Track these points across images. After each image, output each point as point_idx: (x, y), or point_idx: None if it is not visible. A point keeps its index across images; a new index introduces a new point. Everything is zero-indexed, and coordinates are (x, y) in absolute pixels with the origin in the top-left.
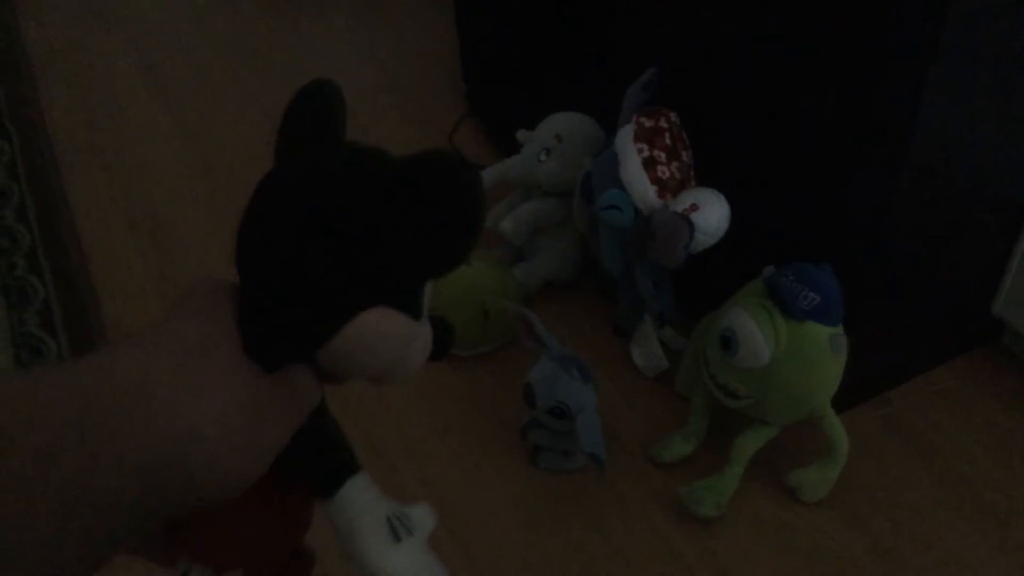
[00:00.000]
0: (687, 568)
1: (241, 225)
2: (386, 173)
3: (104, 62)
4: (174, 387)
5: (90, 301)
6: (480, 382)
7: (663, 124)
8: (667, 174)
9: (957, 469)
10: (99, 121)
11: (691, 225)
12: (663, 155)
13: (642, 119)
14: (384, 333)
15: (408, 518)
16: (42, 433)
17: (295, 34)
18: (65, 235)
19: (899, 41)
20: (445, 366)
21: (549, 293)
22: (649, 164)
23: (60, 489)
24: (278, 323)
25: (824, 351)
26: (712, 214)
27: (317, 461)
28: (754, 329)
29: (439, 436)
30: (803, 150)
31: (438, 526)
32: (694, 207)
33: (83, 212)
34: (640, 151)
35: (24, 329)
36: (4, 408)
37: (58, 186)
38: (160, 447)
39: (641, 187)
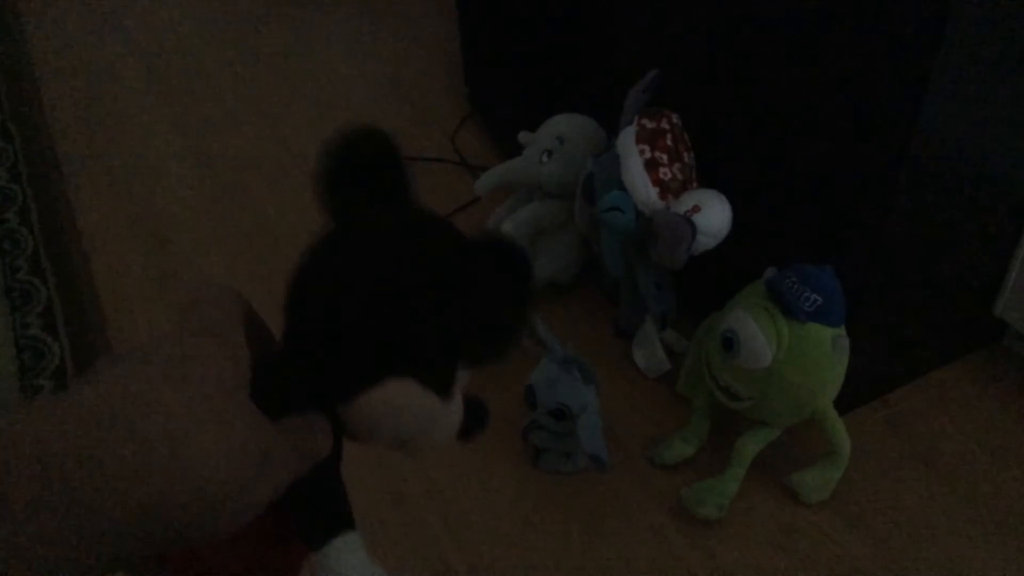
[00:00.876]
0: (688, 570)
1: (301, 267)
2: (447, 250)
3: (106, 64)
4: (180, 421)
5: (91, 303)
6: (481, 382)
7: (665, 125)
8: (669, 175)
9: (959, 470)
10: (101, 123)
11: (693, 226)
12: (665, 156)
13: (644, 120)
14: (406, 406)
15: None
16: (41, 452)
17: (297, 38)
18: (67, 237)
19: (901, 42)
20: None
21: (551, 294)
22: (651, 166)
23: (55, 506)
24: (309, 370)
25: (826, 352)
26: (714, 215)
27: (311, 511)
28: (756, 330)
29: None
30: (805, 151)
31: (439, 527)
32: (696, 208)
33: (85, 214)
34: (642, 152)
35: (27, 332)
36: (5, 440)
37: (60, 188)
38: (156, 480)
39: (643, 189)
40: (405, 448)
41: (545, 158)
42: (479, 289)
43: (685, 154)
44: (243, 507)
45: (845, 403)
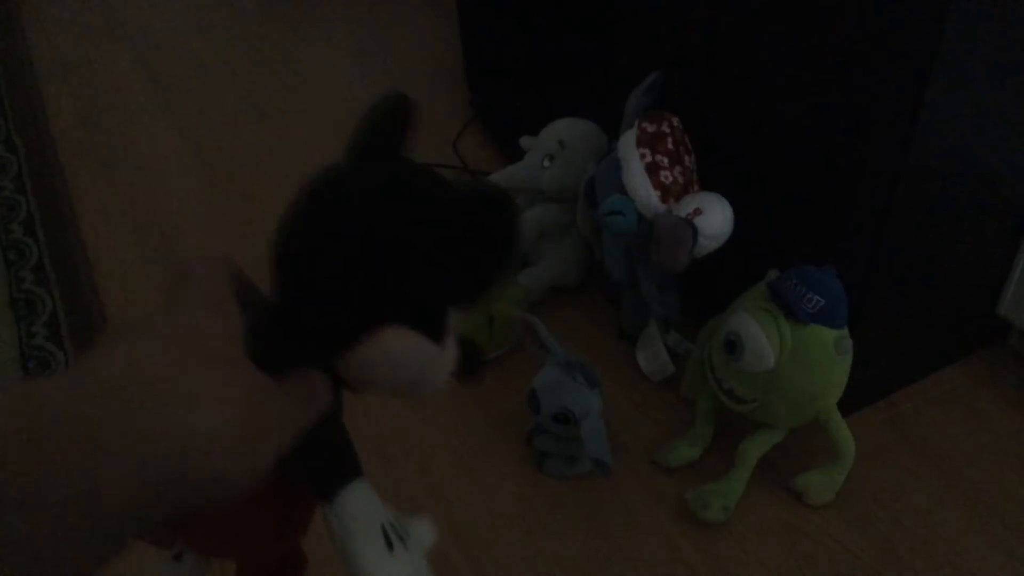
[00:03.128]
0: (694, 573)
1: (287, 221)
2: (434, 199)
3: (109, 73)
4: (179, 390)
5: (96, 312)
6: (485, 388)
7: (666, 129)
8: (670, 179)
9: (964, 471)
10: (105, 132)
11: (695, 229)
12: (666, 160)
13: (645, 124)
14: (402, 352)
15: (404, 529)
16: (39, 431)
17: (300, 42)
18: (72, 247)
19: (900, 43)
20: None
21: (554, 298)
22: (652, 169)
23: (59, 490)
24: (303, 325)
25: (829, 354)
26: (716, 218)
27: (320, 463)
28: (758, 333)
29: (445, 442)
30: (805, 153)
31: (444, 531)
32: (697, 211)
33: (89, 223)
34: (643, 156)
35: (33, 342)
36: (5, 413)
37: (64, 198)
38: (162, 455)
39: (644, 192)
40: (404, 394)
41: (547, 162)
42: (466, 234)
43: (686, 157)
44: (250, 470)
45: (849, 404)
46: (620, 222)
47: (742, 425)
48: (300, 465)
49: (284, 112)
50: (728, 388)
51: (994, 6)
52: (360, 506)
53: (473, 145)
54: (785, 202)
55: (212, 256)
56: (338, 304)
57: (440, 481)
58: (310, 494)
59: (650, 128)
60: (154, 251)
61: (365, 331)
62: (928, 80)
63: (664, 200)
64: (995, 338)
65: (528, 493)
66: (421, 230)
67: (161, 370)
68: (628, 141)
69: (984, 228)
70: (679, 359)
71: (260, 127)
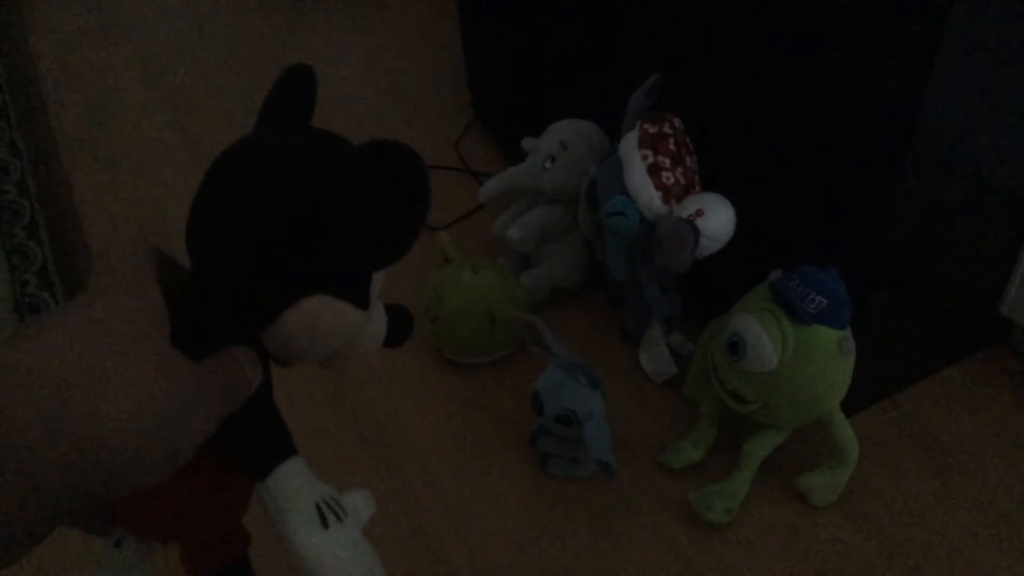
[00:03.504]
0: (697, 574)
1: (196, 199)
2: (336, 162)
3: (112, 76)
4: (95, 377)
5: None
6: (488, 390)
7: (667, 130)
8: (672, 180)
9: (968, 470)
10: (107, 135)
11: (697, 230)
12: (668, 161)
13: (646, 125)
14: (325, 321)
15: (339, 504)
16: None
17: (301, 44)
18: (75, 250)
19: (900, 42)
20: (453, 374)
21: (556, 300)
22: (654, 170)
23: None
24: (221, 303)
25: (832, 354)
26: (718, 219)
27: (251, 443)
28: (761, 334)
29: (448, 444)
30: (806, 153)
31: (447, 533)
32: (699, 212)
33: (93, 226)
34: (644, 157)
35: None
36: None
37: (68, 201)
38: (76, 442)
39: (646, 193)
40: (334, 364)
41: (548, 164)
42: (372, 192)
43: (688, 158)
44: (167, 453)
45: (852, 404)
46: (622, 223)
47: (745, 426)
48: (232, 444)
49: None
50: (731, 389)
51: (994, 6)
52: (293, 484)
53: (475, 147)
54: (787, 202)
55: (132, 238)
56: (254, 278)
57: (443, 483)
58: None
59: (652, 129)
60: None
61: (286, 303)
62: (928, 80)
63: (666, 201)
64: (998, 337)
65: (531, 494)
66: (326, 194)
67: (74, 357)
68: (630, 142)
69: (986, 227)
70: (682, 360)
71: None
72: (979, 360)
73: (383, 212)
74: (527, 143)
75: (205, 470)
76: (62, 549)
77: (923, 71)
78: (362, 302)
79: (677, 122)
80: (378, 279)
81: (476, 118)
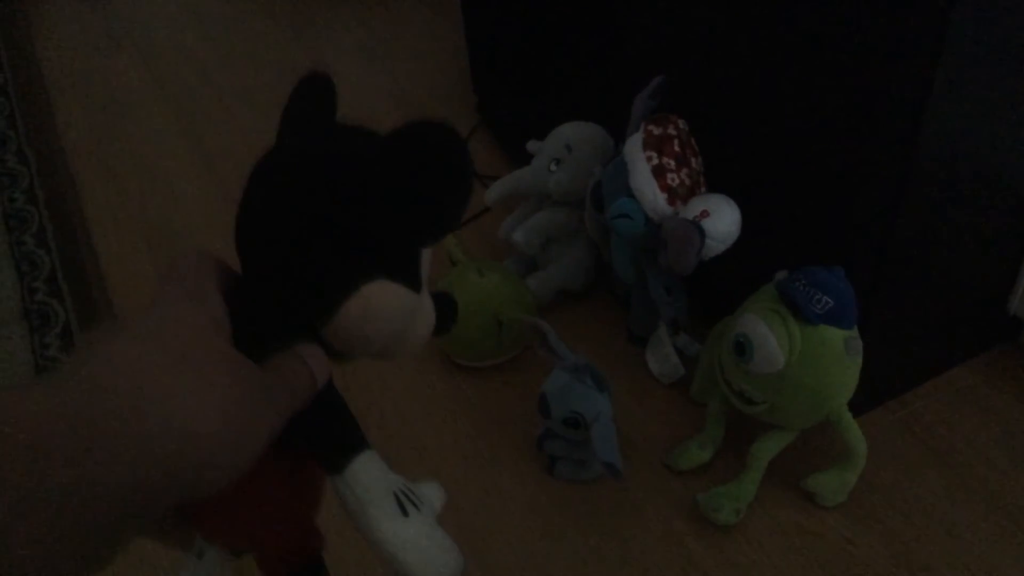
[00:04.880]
0: (706, 575)
1: (240, 209)
2: (374, 146)
3: (118, 84)
4: (168, 386)
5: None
6: (495, 392)
7: (672, 131)
8: (677, 181)
9: (977, 470)
10: (115, 143)
11: (702, 231)
12: (672, 162)
13: (651, 127)
14: (385, 305)
15: (415, 493)
16: (33, 430)
17: (306, 50)
18: (84, 257)
19: (904, 43)
20: (460, 377)
21: (563, 302)
22: (659, 172)
23: (51, 486)
24: (280, 304)
25: (839, 355)
26: (723, 220)
27: (326, 438)
28: (768, 334)
29: (455, 447)
30: (812, 153)
31: (454, 535)
32: (705, 213)
33: (101, 233)
34: (649, 159)
35: (47, 353)
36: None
37: (76, 208)
38: (149, 451)
39: (651, 195)
40: (391, 351)
41: (553, 166)
42: (413, 167)
43: (693, 159)
44: (238, 458)
45: (860, 404)
46: (628, 225)
47: (753, 427)
48: (305, 442)
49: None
50: (738, 390)
51: (997, 6)
52: (371, 476)
53: (480, 150)
54: (793, 203)
55: (196, 251)
56: (309, 271)
57: (450, 486)
58: (319, 470)
59: (656, 131)
60: (166, 261)
61: (344, 293)
62: (933, 80)
63: (671, 202)
64: (1006, 336)
65: (538, 497)
66: (370, 178)
67: (145, 368)
68: (634, 144)
69: (993, 226)
70: (689, 361)
71: (270, 136)
72: (987, 359)
73: (425, 185)
74: (532, 146)
75: (278, 471)
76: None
77: (928, 71)
78: (415, 284)
79: (682, 123)
80: (426, 262)
81: (481, 121)
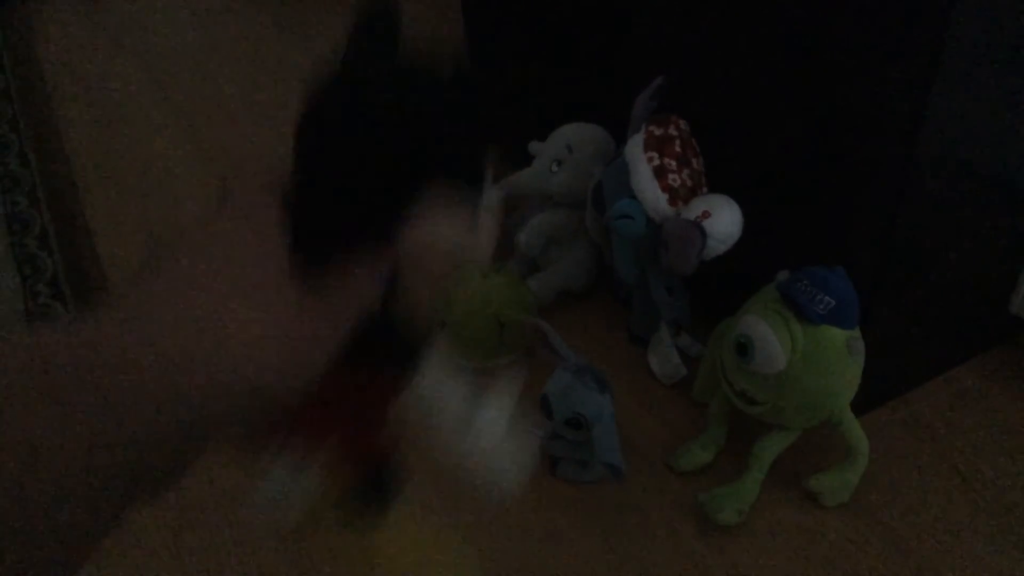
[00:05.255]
0: None
1: (304, 119)
2: (429, 69)
3: (120, 86)
4: (226, 315)
5: None
6: None
7: (673, 132)
8: (678, 182)
9: (979, 469)
10: (117, 145)
11: (703, 232)
12: (673, 163)
13: (652, 128)
14: (453, 207)
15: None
16: (88, 373)
17: (307, 52)
18: (86, 260)
19: (905, 42)
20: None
21: (564, 302)
22: (660, 172)
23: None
24: (347, 212)
25: (841, 355)
26: (724, 220)
27: (394, 339)
28: (769, 335)
29: None
30: (813, 153)
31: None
32: (706, 214)
33: (103, 236)
34: (650, 160)
35: None
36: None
37: (78, 211)
38: (211, 371)
39: (652, 196)
40: (460, 254)
41: (555, 167)
42: (470, 99)
43: (694, 160)
44: (302, 370)
45: (863, 404)
46: (629, 226)
47: (755, 427)
48: (377, 346)
49: (295, 122)
50: (740, 390)
51: (998, 6)
52: (446, 371)
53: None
54: (794, 203)
55: (254, 171)
56: (380, 167)
57: (452, 486)
58: (384, 376)
59: (657, 131)
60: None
61: (414, 190)
62: (934, 79)
63: (672, 203)
64: (1008, 336)
65: (540, 498)
66: (440, 91)
67: (202, 285)
68: (635, 145)
69: (994, 226)
70: (691, 362)
71: (271, 137)
72: (989, 359)
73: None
74: (533, 147)
75: (349, 379)
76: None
77: (928, 71)
78: (479, 183)
79: (683, 124)
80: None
81: None
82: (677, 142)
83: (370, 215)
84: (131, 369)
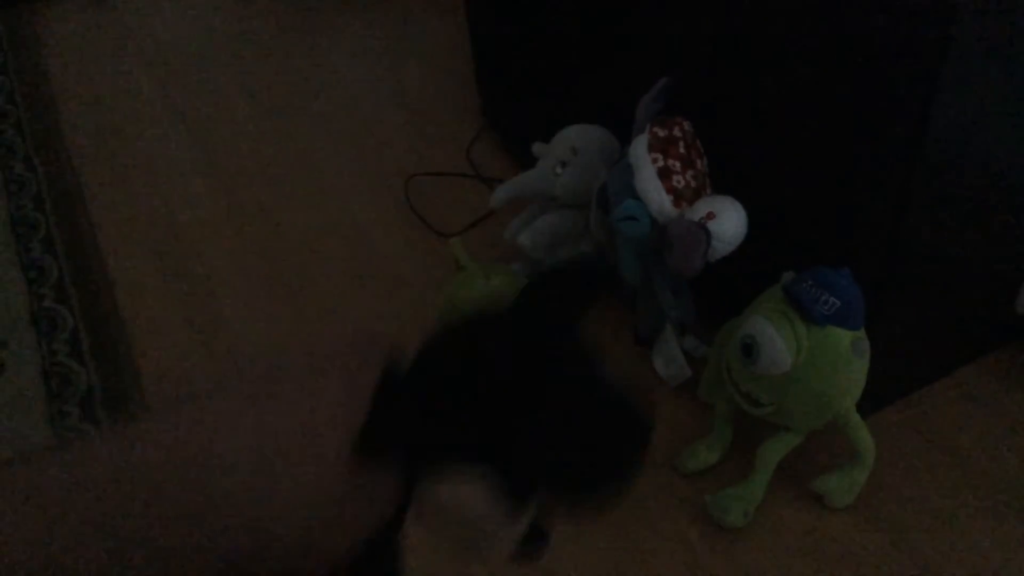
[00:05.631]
0: None
1: (445, 334)
2: (581, 382)
3: (124, 90)
4: (272, 464)
5: (117, 329)
6: None
7: (677, 133)
8: (682, 183)
9: (985, 469)
10: (121, 149)
11: (708, 233)
12: (678, 164)
13: (656, 129)
14: (472, 496)
15: None
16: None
17: (312, 56)
18: (91, 265)
19: (910, 42)
20: None
21: None
22: (664, 174)
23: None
24: (411, 422)
25: (846, 356)
26: (729, 221)
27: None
28: (774, 336)
29: None
30: (818, 154)
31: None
32: (711, 215)
33: (107, 240)
34: (655, 161)
35: (55, 359)
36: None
37: (84, 216)
38: (250, 520)
39: (657, 197)
40: (466, 542)
41: (559, 169)
42: (587, 425)
43: (698, 161)
44: (329, 551)
45: (868, 405)
46: (633, 227)
47: (761, 428)
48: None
49: (299, 125)
50: (746, 391)
51: (1003, 6)
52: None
53: (486, 153)
54: (799, 204)
55: (367, 334)
56: (448, 421)
57: None
58: None
59: (661, 133)
60: (172, 267)
61: (455, 460)
62: (939, 79)
63: (677, 204)
64: (1013, 336)
65: None
66: (551, 406)
67: (255, 440)
68: (640, 146)
69: (1000, 226)
70: (696, 363)
71: (275, 140)
72: (995, 359)
73: (590, 459)
74: (538, 148)
75: None
76: None
77: (934, 70)
78: (516, 504)
79: (687, 125)
80: (542, 501)
81: (486, 124)
82: (681, 143)
83: (441, 454)
84: (180, 496)
